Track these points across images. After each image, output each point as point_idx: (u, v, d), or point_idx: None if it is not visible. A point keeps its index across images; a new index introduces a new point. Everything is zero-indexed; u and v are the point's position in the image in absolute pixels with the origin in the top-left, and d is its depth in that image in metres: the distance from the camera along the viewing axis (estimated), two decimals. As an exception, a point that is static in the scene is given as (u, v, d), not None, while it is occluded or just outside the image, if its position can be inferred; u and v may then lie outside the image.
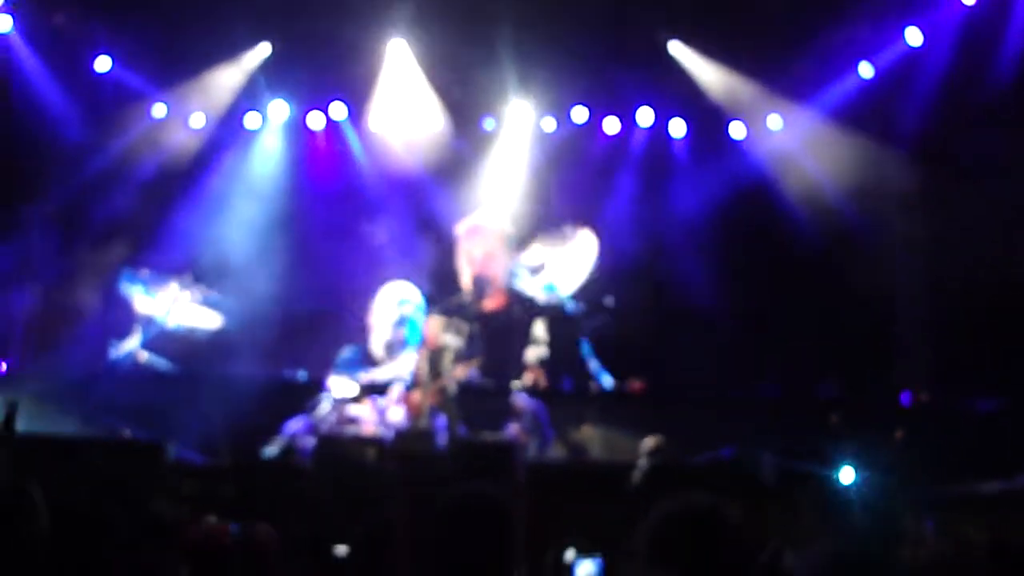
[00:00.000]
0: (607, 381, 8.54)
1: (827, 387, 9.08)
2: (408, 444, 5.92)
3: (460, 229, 9.16)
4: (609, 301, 8.70)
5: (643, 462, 6.01)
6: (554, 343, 8.45)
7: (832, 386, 9.06)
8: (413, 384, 8.02)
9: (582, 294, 8.85)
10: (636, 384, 8.50)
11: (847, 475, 5.74)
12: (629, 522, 2.61)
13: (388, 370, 8.39)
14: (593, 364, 8.58)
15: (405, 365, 8.35)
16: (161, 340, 8.73)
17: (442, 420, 7.60)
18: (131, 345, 8.59)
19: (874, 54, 9.87)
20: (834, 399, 8.68)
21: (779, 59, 9.93)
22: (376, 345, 8.59)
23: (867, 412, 8.01)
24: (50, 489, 2.88)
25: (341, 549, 3.04)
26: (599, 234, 9.34)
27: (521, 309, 8.62)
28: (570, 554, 3.61)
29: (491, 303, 8.78)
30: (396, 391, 7.96)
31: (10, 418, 5.45)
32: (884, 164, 9.75)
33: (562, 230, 9.12)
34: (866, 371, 9.37)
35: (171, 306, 8.71)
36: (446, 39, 9.94)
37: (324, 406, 7.79)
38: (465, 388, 7.96)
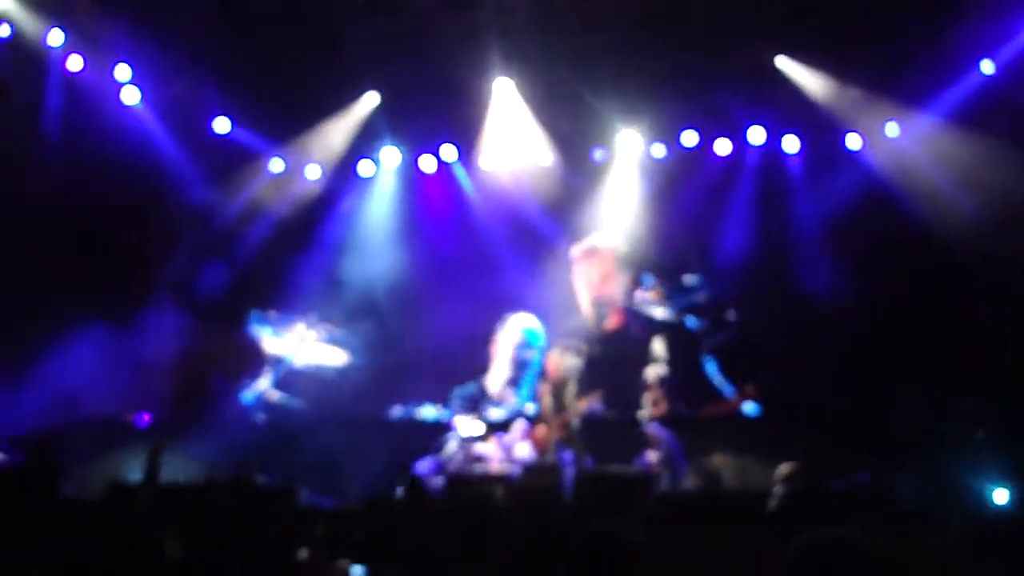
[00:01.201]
0: (730, 395, 8.36)
1: (971, 400, 8.61)
2: (535, 480, 5.88)
3: (575, 252, 9.21)
4: (732, 316, 8.54)
5: (779, 489, 5.80)
6: (674, 360, 8.34)
7: (977, 399, 8.60)
8: (537, 419, 8.00)
9: (703, 311, 8.70)
10: (748, 389, 8.26)
11: (1000, 496, 5.41)
12: (767, 551, 2.51)
13: (505, 408, 8.40)
14: (718, 380, 8.41)
15: (522, 403, 8.36)
16: (291, 379, 8.99)
17: (568, 454, 7.54)
18: (262, 386, 8.86)
19: (995, 49, 9.45)
20: (979, 412, 8.23)
21: (891, 64, 9.60)
22: (494, 382, 8.61)
23: (1017, 426, 7.57)
24: (187, 536, 2.95)
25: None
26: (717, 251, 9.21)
27: (640, 328, 8.54)
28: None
29: (610, 323, 8.74)
30: (519, 427, 7.94)
31: (154, 463, 5.63)
32: (1014, 164, 9.28)
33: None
34: (1013, 381, 8.87)
35: (298, 345, 8.96)
36: (550, 74, 9.99)
37: (451, 445, 7.84)
38: (590, 421, 7.90)
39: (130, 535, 3.25)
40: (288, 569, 3.12)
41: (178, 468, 7.44)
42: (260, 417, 8.96)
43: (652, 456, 7.60)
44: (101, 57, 9.70)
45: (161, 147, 10.15)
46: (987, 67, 9.51)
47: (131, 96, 9.95)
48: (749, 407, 8.28)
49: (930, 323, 9.31)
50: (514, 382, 8.56)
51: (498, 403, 8.49)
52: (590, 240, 9.27)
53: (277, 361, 9.01)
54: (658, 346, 8.40)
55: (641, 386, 8.31)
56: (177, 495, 5.87)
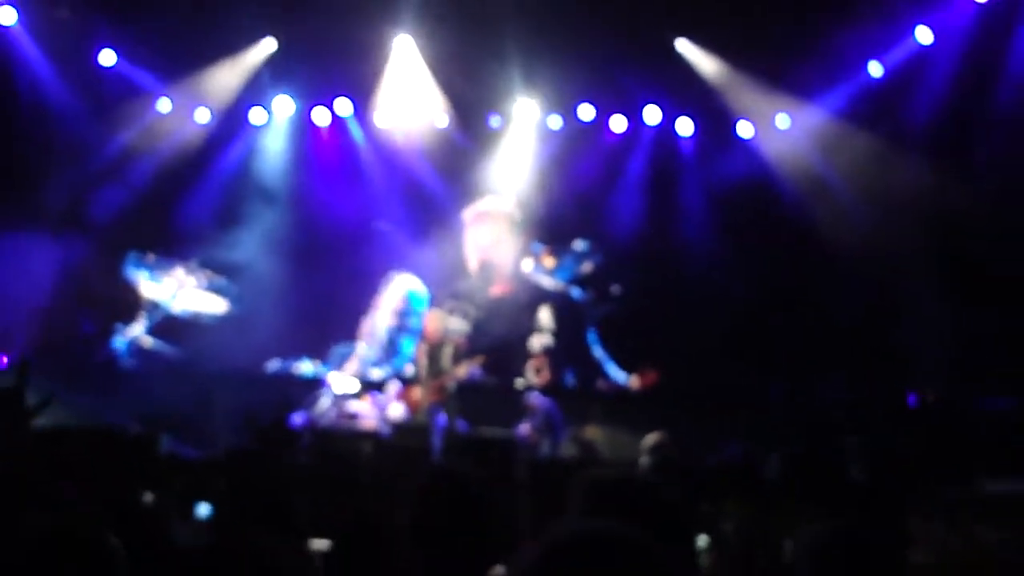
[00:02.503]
0: (613, 371, 8.46)
1: (833, 386, 8.96)
2: (404, 439, 5.85)
3: (468, 215, 9.15)
4: (616, 290, 8.65)
5: (644, 459, 5.91)
6: (560, 331, 8.40)
7: (838, 386, 8.95)
8: (413, 380, 7.97)
9: (589, 283, 8.78)
10: (649, 375, 8.39)
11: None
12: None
13: (380, 367, 8.34)
14: (599, 353, 8.52)
15: (401, 364, 8.31)
16: (166, 326, 8.72)
17: (443, 417, 7.53)
18: (136, 331, 8.57)
19: (884, 53, 9.76)
20: (840, 400, 8.57)
21: (788, 58, 9.84)
22: (371, 340, 8.52)
23: (873, 412, 7.91)
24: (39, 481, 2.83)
25: (321, 544, 2.96)
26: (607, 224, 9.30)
27: (527, 295, 8.57)
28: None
29: (497, 288, 8.74)
30: (394, 387, 7.90)
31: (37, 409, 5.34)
32: (894, 162, 9.65)
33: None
34: (873, 373, 9.26)
35: (177, 291, 8.69)
36: (452, 36, 9.89)
37: (324, 401, 7.74)
38: (469, 386, 7.90)
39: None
40: (134, 513, 3.02)
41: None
42: (131, 363, 8.67)
43: (527, 425, 7.64)
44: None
45: (39, 73, 9.63)
46: (875, 69, 9.81)
47: (7, 16, 9.40)
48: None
49: (805, 307, 9.65)
50: (392, 343, 8.49)
51: (375, 362, 8.42)
52: (482, 204, 9.24)
53: (153, 306, 8.71)
54: (544, 315, 8.45)
55: (524, 354, 8.35)
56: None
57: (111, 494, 3.16)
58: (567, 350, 8.61)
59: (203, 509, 3.16)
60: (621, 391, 8.43)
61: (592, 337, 8.59)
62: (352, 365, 8.38)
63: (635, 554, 1.64)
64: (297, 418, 7.67)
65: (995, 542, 4.67)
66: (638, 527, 1.69)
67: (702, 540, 4.43)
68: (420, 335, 8.34)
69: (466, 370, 7.97)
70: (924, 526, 5.30)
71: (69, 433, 4.49)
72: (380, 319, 8.56)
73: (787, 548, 3.22)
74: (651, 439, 6.01)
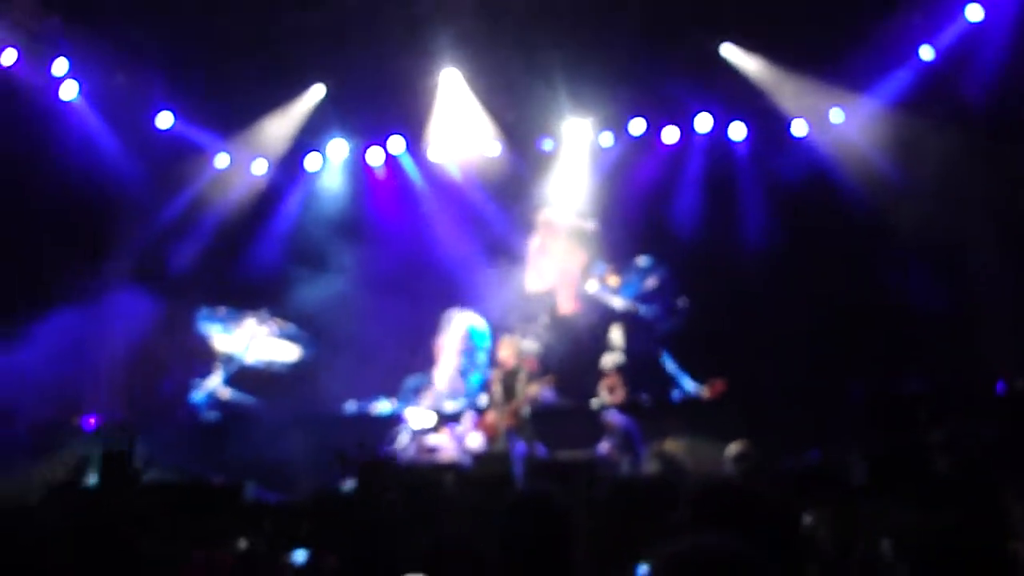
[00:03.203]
0: (688, 384, 8.39)
1: (914, 382, 8.75)
2: (486, 468, 5.86)
3: (540, 218, 9.13)
4: (683, 303, 8.60)
5: (729, 469, 5.84)
6: (631, 348, 8.37)
7: (919, 380, 8.74)
8: (487, 407, 8.00)
9: (655, 298, 8.73)
10: (718, 384, 8.31)
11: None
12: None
13: (455, 399, 8.39)
14: (671, 367, 8.46)
15: (474, 394, 8.35)
16: (242, 376, 8.88)
17: (521, 443, 7.53)
18: (213, 383, 8.75)
19: (934, 36, 9.59)
20: (921, 393, 8.36)
21: (836, 51, 9.70)
22: (440, 377, 8.61)
23: (957, 404, 7.70)
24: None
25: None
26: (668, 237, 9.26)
27: (595, 314, 8.57)
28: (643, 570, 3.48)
29: (566, 307, 8.75)
30: (469, 418, 7.93)
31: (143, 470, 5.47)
32: (952, 147, 9.44)
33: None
34: (952, 363, 9.03)
35: (249, 341, 8.87)
36: (497, 64, 9.96)
37: (403, 437, 7.80)
38: (544, 410, 7.90)
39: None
40: (226, 560, 3.07)
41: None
42: (211, 415, 8.85)
43: (606, 444, 7.61)
44: (37, 50, 9.44)
45: (101, 143, 9.92)
46: (926, 53, 9.63)
47: (70, 91, 9.72)
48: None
49: (876, 302, 9.45)
50: (461, 381, 8.56)
51: (449, 396, 8.48)
52: (554, 213, 9.26)
53: (228, 359, 8.90)
54: (615, 334, 8.43)
55: (596, 373, 8.33)
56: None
57: (204, 544, 3.22)
58: (639, 367, 8.57)
59: (299, 555, 3.20)
60: (694, 401, 8.36)
61: (663, 352, 8.54)
62: (427, 398, 8.45)
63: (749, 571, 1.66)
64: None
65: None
66: (747, 540, 1.74)
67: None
68: (488, 367, 8.38)
69: (538, 391, 7.97)
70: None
71: (161, 488, 4.60)
72: (446, 362, 8.65)
73: (884, 549, 3.15)
74: (734, 448, 5.94)
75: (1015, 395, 8.41)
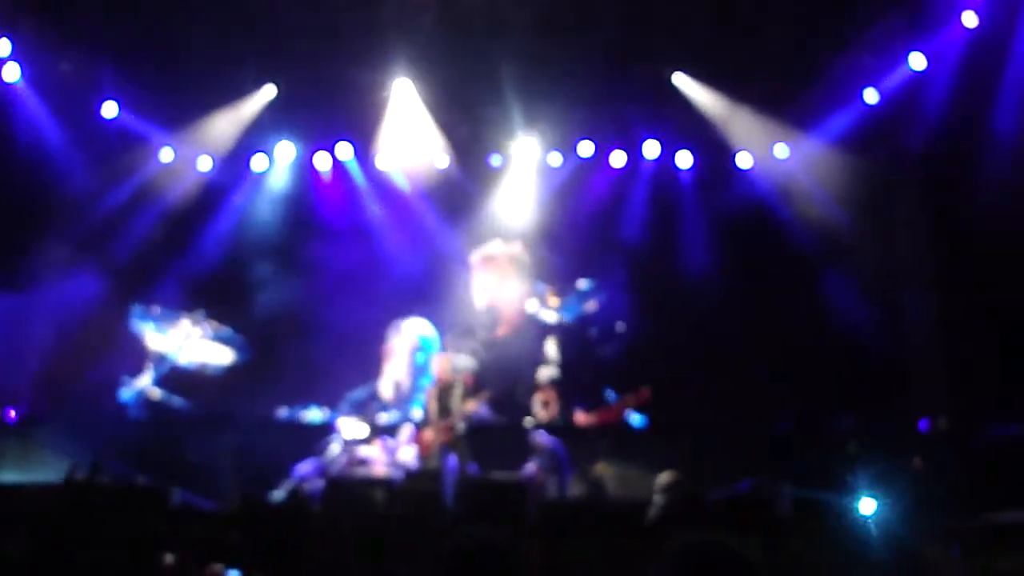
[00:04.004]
0: (613, 399, 8.45)
1: (843, 418, 8.94)
2: (417, 485, 5.83)
3: (475, 259, 9.18)
4: (621, 327, 8.66)
5: (659, 498, 5.89)
6: (566, 364, 8.40)
7: (848, 417, 8.92)
8: (424, 423, 7.96)
9: (594, 321, 8.79)
10: (643, 392, 8.35)
11: (867, 506, 5.63)
12: (646, 560, 2.54)
13: (397, 413, 8.34)
14: (608, 393, 8.51)
15: (412, 408, 8.31)
16: (174, 377, 8.72)
17: (453, 459, 7.51)
18: (143, 383, 8.57)
19: (879, 80, 9.84)
20: (851, 429, 8.54)
21: (784, 88, 9.92)
22: (386, 388, 8.54)
23: (885, 441, 7.88)
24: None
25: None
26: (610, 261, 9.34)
27: (533, 332, 8.59)
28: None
29: (503, 329, 8.75)
30: (407, 431, 7.89)
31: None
32: (892, 189, 9.70)
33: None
34: (882, 400, 9.25)
35: (183, 342, 8.70)
36: (451, 77, 9.98)
37: (334, 448, 7.72)
38: (476, 426, 7.88)
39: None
40: (153, 573, 3.01)
41: (48, 467, 7.16)
42: (139, 414, 8.67)
43: (533, 465, 7.61)
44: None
45: (42, 128, 9.70)
46: (871, 96, 9.88)
47: (11, 73, 9.48)
48: (635, 418, 8.38)
49: (811, 340, 9.64)
50: (409, 388, 8.51)
51: (391, 408, 8.42)
52: (489, 248, 9.28)
53: (160, 358, 8.73)
54: (551, 348, 8.45)
55: (532, 389, 8.35)
56: (43, 496, 5.63)
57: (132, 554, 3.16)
58: (574, 383, 8.60)
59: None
60: (621, 420, 8.39)
61: (598, 374, 8.60)
62: (371, 408, 8.38)
63: None
64: (307, 465, 7.66)
65: (1009, 571, 4.65)
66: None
67: None
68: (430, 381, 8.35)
69: (474, 407, 7.95)
70: (942, 556, 5.29)
71: (87, 490, 4.50)
72: (393, 369, 8.58)
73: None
74: (664, 478, 5.99)
75: (937, 434, 8.65)
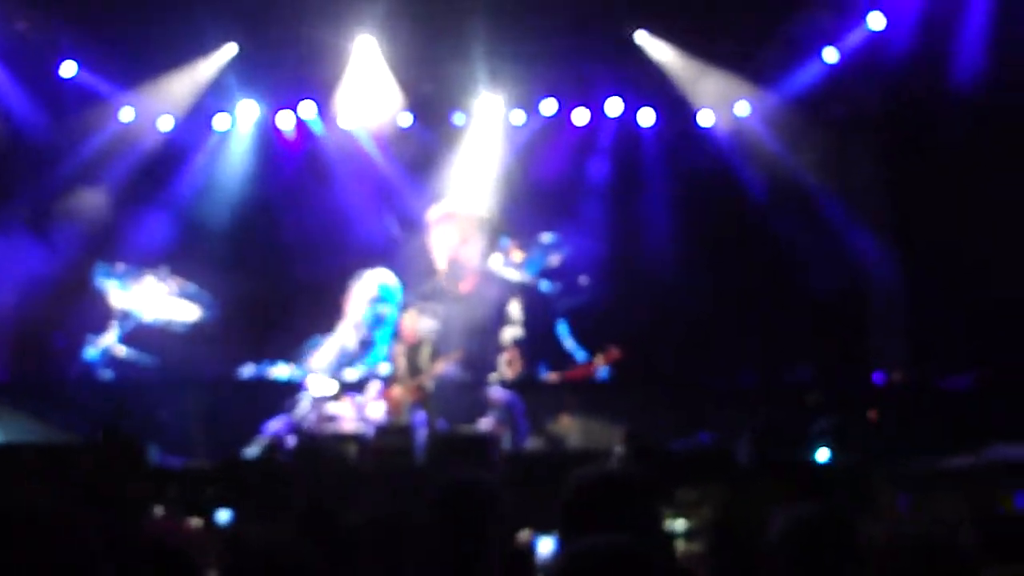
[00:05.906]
0: (581, 356, 8.58)
1: (801, 370, 9.18)
2: (387, 441, 5.94)
3: (433, 215, 9.17)
4: (584, 281, 8.77)
5: (619, 448, 6.06)
6: (529, 323, 8.50)
7: (806, 369, 9.16)
8: (392, 380, 8.05)
9: (558, 275, 8.88)
10: (612, 352, 8.50)
11: (822, 455, 5.84)
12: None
13: (358, 366, 8.39)
14: (569, 344, 8.64)
15: (377, 363, 8.38)
16: (139, 334, 8.72)
17: (422, 415, 7.63)
18: (108, 341, 8.57)
19: (838, 39, 9.96)
20: (808, 382, 8.78)
21: (745, 46, 10.02)
22: (346, 331, 8.55)
23: (841, 393, 8.12)
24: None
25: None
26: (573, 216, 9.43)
27: (496, 290, 8.64)
28: (525, 534, 3.67)
29: (466, 285, 8.81)
30: (374, 388, 7.98)
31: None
32: (851, 147, 9.87)
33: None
34: (842, 353, 9.50)
35: (147, 299, 8.69)
36: (415, 34, 9.93)
37: (304, 404, 7.80)
38: (443, 383, 7.99)
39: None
40: (141, 527, 3.09)
41: (18, 429, 7.18)
42: (106, 373, 8.68)
43: (489, 420, 7.75)
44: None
45: (1, 89, 9.57)
46: (830, 55, 10.01)
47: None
48: (602, 371, 8.53)
49: (765, 296, 9.86)
50: (367, 340, 8.54)
51: (353, 350, 8.45)
52: (448, 204, 9.30)
53: (124, 315, 8.71)
54: (514, 308, 8.53)
55: (497, 348, 8.44)
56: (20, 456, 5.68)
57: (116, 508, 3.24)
58: (538, 341, 8.72)
59: (223, 515, 3.24)
60: (591, 379, 8.54)
61: (562, 328, 8.72)
62: (324, 355, 8.40)
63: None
64: (278, 423, 7.74)
65: (954, 514, 4.88)
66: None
67: (680, 524, 4.60)
68: (395, 330, 8.40)
69: (443, 367, 8.06)
70: (889, 502, 5.52)
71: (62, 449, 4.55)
72: (354, 309, 8.56)
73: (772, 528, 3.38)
74: (625, 430, 6.17)
75: (891, 387, 8.92)
